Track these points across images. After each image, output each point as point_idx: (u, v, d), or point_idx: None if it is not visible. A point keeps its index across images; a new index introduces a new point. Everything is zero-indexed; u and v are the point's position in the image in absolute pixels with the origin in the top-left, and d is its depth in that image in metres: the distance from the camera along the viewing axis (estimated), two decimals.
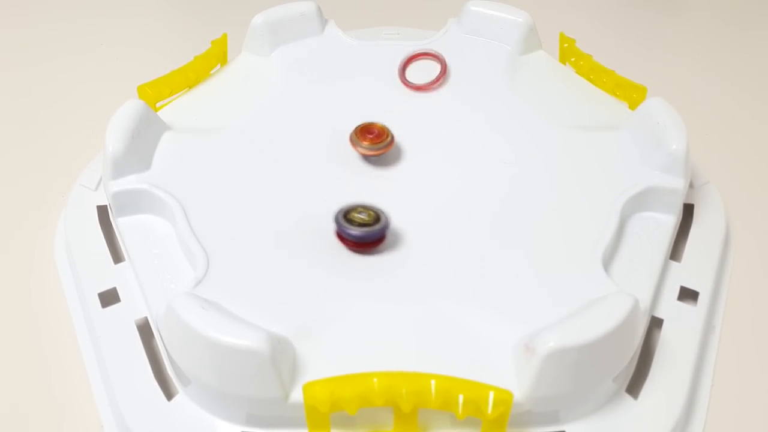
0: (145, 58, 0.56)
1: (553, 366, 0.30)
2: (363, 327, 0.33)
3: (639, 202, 0.38)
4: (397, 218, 0.37)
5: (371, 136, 0.39)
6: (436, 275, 0.35)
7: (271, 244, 0.36)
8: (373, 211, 0.36)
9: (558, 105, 0.43)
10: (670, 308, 0.37)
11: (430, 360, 0.31)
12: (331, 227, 0.37)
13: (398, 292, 0.34)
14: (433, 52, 0.44)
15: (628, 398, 0.33)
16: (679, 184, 0.38)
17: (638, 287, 0.35)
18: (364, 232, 0.35)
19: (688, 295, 0.38)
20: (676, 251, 0.39)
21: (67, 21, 0.60)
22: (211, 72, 0.46)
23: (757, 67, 0.56)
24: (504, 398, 0.29)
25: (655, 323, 0.36)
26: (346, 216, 0.36)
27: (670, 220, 0.38)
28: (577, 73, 0.46)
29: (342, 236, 0.36)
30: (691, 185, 0.43)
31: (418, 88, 0.42)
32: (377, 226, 0.35)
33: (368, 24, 0.50)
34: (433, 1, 0.60)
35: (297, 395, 0.30)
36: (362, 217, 0.35)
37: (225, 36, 0.47)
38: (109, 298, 0.37)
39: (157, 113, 0.41)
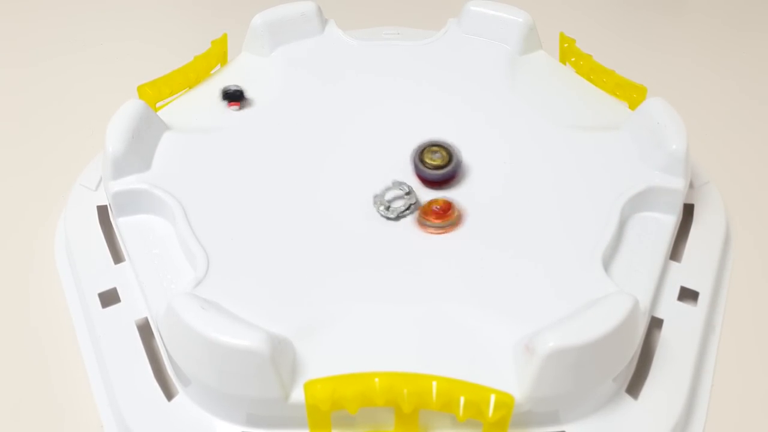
0: (145, 57, 0.56)
1: (553, 366, 0.30)
2: (363, 327, 0.33)
3: (639, 202, 0.38)
4: (397, 218, 0.38)
5: (437, 211, 0.37)
6: (436, 275, 0.35)
7: (271, 244, 0.36)
8: (446, 150, 0.39)
9: (558, 105, 0.43)
10: (670, 308, 0.37)
11: (430, 360, 0.31)
12: (334, 227, 0.37)
13: (398, 292, 0.34)
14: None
15: (628, 398, 0.33)
16: (679, 184, 0.38)
17: (638, 287, 0.35)
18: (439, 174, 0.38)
19: (688, 295, 0.38)
20: (676, 251, 0.39)
21: (67, 20, 0.60)
22: (211, 72, 0.46)
23: (757, 67, 0.56)
24: (505, 401, 0.29)
25: (655, 323, 0.36)
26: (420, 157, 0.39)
27: (670, 220, 0.38)
28: (577, 73, 0.46)
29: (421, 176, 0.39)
30: (691, 185, 0.43)
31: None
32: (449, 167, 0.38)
33: (368, 24, 0.50)
34: (433, 1, 0.60)
35: (297, 395, 0.30)
36: (436, 158, 0.38)
37: (225, 36, 0.47)
38: (109, 298, 0.37)
39: (157, 113, 0.41)
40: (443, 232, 0.37)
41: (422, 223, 0.37)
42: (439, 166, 0.38)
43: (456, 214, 0.37)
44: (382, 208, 0.37)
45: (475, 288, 0.34)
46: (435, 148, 0.39)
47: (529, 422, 0.31)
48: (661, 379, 0.34)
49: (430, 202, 0.37)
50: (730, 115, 0.52)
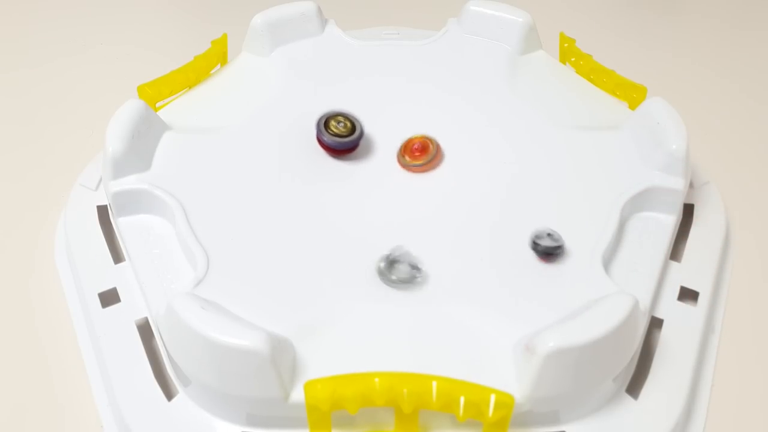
0: (145, 57, 0.56)
1: (553, 366, 0.30)
2: (363, 327, 0.33)
3: (639, 202, 0.38)
4: (397, 218, 0.38)
5: (417, 153, 0.39)
6: (437, 275, 0.35)
7: (271, 244, 0.36)
8: (350, 121, 0.40)
9: (558, 105, 0.43)
10: (670, 308, 0.37)
11: (430, 360, 0.31)
12: (334, 228, 0.37)
13: (398, 293, 0.34)
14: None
15: (628, 398, 0.33)
16: (679, 184, 0.38)
17: (638, 287, 0.35)
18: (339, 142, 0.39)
19: (688, 295, 0.38)
20: (676, 251, 0.39)
21: (67, 21, 0.60)
22: (211, 72, 0.46)
23: (757, 67, 0.56)
24: (505, 401, 0.29)
25: (655, 323, 0.36)
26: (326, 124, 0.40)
27: (670, 220, 0.38)
28: (577, 73, 0.46)
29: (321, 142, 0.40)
30: (691, 185, 0.43)
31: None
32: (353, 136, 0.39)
33: (368, 24, 0.50)
34: (433, 1, 0.60)
35: (297, 395, 0.30)
36: (339, 127, 0.39)
37: (225, 36, 0.47)
38: (109, 298, 0.37)
39: (157, 113, 0.41)
40: (424, 170, 0.39)
41: (403, 163, 0.39)
42: (342, 135, 0.39)
43: (434, 151, 0.39)
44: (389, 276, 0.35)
45: (475, 288, 0.34)
46: (340, 118, 0.40)
47: (529, 422, 0.31)
48: (661, 379, 0.34)
49: (411, 140, 0.39)
50: (730, 115, 0.52)
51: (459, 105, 0.43)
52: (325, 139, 0.39)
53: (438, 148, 0.40)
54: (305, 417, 0.30)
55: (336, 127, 0.39)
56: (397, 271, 0.35)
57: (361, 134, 0.40)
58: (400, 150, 0.40)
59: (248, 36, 0.46)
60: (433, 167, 0.39)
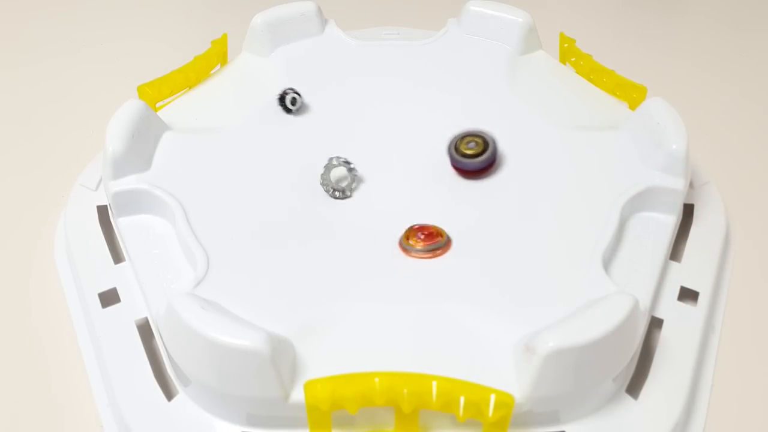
0: (145, 57, 0.56)
1: (553, 366, 0.30)
2: (363, 327, 0.33)
3: (639, 202, 0.38)
4: (396, 217, 0.37)
5: (423, 236, 0.36)
6: (437, 275, 0.35)
7: (271, 244, 0.36)
8: (481, 139, 0.38)
9: (558, 105, 0.43)
10: (670, 308, 0.37)
11: (430, 360, 0.31)
12: (333, 227, 0.37)
13: (398, 292, 0.34)
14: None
15: (628, 398, 0.33)
16: (679, 184, 0.38)
17: (638, 287, 0.35)
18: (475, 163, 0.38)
19: (688, 295, 0.38)
20: (676, 251, 0.39)
21: (67, 20, 0.60)
22: (211, 72, 0.46)
23: (757, 68, 0.56)
24: (505, 401, 0.29)
25: (655, 323, 0.36)
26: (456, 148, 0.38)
27: (670, 220, 0.38)
28: (577, 73, 0.46)
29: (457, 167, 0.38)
30: (691, 185, 0.43)
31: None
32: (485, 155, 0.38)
33: (368, 24, 0.50)
34: (433, 1, 0.60)
35: (297, 395, 0.30)
36: (471, 147, 0.38)
37: (225, 36, 0.47)
38: (109, 298, 0.37)
39: (157, 113, 0.41)
40: (429, 257, 0.36)
41: (405, 248, 0.36)
42: (475, 155, 0.38)
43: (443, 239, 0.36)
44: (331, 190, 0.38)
45: (475, 288, 0.34)
46: (469, 138, 0.38)
47: (529, 422, 0.31)
48: (661, 379, 0.34)
49: (417, 228, 0.36)
50: (730, 115, 0.52)
51: (459, 105, 0.43)
52: (461, 163, 0.38)
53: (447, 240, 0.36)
54: (305, 417, 0.30)
55: (467, 148, 0.38)
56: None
57: (495, 149, 0.38)
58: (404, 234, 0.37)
59: (248, 36, 0.46)
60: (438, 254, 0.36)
